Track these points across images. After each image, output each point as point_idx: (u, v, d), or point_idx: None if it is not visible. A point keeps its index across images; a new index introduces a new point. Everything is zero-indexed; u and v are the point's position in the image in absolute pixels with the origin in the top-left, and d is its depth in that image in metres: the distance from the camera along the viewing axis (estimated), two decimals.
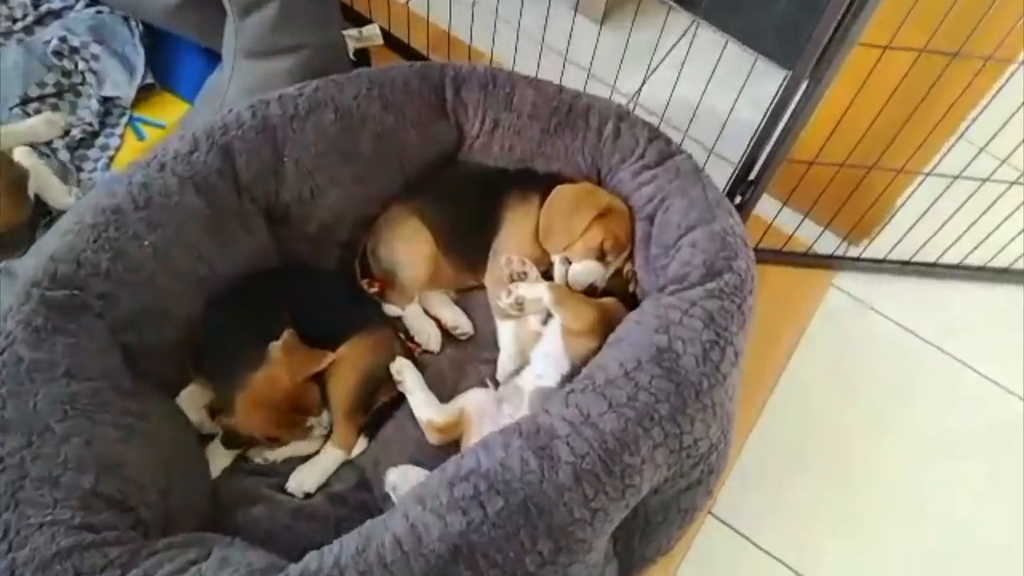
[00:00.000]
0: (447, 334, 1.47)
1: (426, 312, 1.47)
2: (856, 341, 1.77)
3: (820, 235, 1.76)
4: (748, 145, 1.51)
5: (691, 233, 1.29)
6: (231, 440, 1.25)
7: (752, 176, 1.55)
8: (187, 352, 1.29)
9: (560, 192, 1.40)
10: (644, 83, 1.77)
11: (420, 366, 1.39)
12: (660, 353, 1.11)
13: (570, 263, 1.40)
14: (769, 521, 1.56)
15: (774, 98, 1.42)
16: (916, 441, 1.66)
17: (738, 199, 1.60)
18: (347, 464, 1.32)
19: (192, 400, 1.31)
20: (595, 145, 1.46)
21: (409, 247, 1.43)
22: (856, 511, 1.58)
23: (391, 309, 1.45)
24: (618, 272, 1.44)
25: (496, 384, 1.39)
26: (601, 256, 1.38)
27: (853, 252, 1.83)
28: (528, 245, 1.41)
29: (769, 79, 1.51)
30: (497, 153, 1.50)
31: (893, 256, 1.78)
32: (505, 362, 1.40)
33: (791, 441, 1.62)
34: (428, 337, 1.44)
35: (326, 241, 1.44)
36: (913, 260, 1.79)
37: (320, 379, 1.29)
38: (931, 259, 1.79)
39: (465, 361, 1.46)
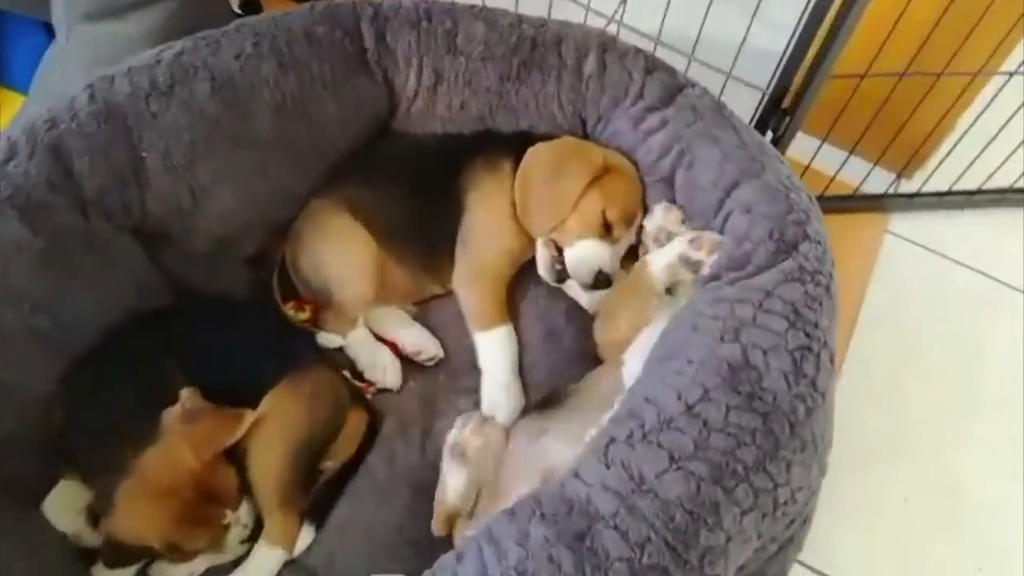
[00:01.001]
0: (409, 362, 1.12)
1: (377, 337, 1.12)
2: (926, 296, 1.43)
3: (870, 172, 1.39)
4: (779, 61, 1.13)
5: (736, 192, 0.94)
6: (115, 555, 0.89)
7: (786, 103, 1.17)
8: (48, 438, 0.93)
9: (536, 154, 1.06)
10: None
11: (378, 413, 1.07)
12: (734, 373, 0.76)
13: (559, 250, 1.00)
14: (854, 551, 1.20)
15: None
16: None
17: (768, 136, 1.22)
18: (290, 565, 0.96)
19: (63, 504, 0.94)
20: (575, 87, 1.12)
21: (342, 253, 1.09)
22: (959, 515, 1.24)
23: (328, 339, 1.10)
24: (631, 251, 1.08)
25: None
26: (606, 232, 1.03)
27: (906, 189, 1.46)
28: (506, 230, 1.09)
29: None
30: (444, 114, 1.12)
31: (958, 187, 1.41)
32: (495, 394, 1.05)
33: (867, 442, 1.26)
34: (384, 371, 1.09)
35: (226, 260, 1.08)
36: (983, 188, 1.42)
37: (237, 451, 0.93)
38: (1004, 185, 1.42)
39: (438, 395, 1.11)
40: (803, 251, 0.84)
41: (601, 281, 1.02)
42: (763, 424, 0.73)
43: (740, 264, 0.86)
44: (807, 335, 0.78)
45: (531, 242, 1.10)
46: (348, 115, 1.10)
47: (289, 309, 1.12)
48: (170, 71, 0.98)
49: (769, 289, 0.81)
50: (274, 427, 0.94)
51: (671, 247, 0.93)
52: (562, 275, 1.07)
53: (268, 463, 0.94)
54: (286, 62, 1.04)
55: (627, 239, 1.06)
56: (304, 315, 1.12)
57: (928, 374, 1.35)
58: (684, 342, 0.81)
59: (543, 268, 1.08)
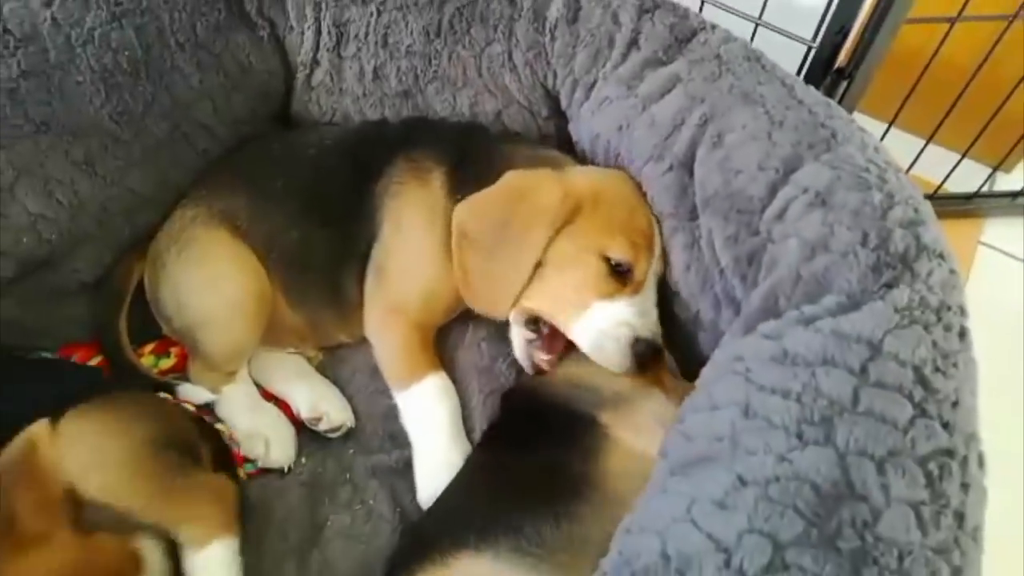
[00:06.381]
0: (306, 430, 0.75)
1: (266, 393, 0.77)
2: None
3: (957, 164, 0.94)
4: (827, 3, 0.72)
5: (799, 174, 0.54)
6: None
7: (841, 61, 0.75)
8: None
9: (473, 209, 0.69)
10: None
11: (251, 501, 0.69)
12: (826, 508, 0.36)
13: (535, 329, 0.70)
14: None
15: None
16: None
17: None
18: None
19: None
20: (535, 42, 0.76)
21: (214, 286, 0.74)
22: None
23: (192, 392, 0.74)
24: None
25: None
26: (621, 282, 0.67)
27: (1005, 186, 1.01)
28: (434, 264, 0.72)
29: None
30: (355, 86, 0.78)
31: None
32: (435, 476, 0.68)
33: None
34: (266, 444, 0.73)
35: (46, 290, 0.72)
36: None
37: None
38: None
39: (338, 477, 0.73)
40: (921, 271, 0.44)
41: (646, 353, 0.64)
42: None
43: (814, 290, 0.45)
44: (945, 426, 0.38)
45: None
46: (220, 88, 0.74)
47: (147, 354, 0.75)
48: None
49: (875, 340, 0.40)
50: (86, 439, 0.60)
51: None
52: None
53: (113, 486, 0.59)
54: (123, 11, 0.67)
55: (653, 271, 0.69)
56: (168, 361, 0.78)
57: None
58: (727, 439, 0.40)
59: (520, 355, 0.70)
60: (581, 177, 0.70)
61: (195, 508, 0.62)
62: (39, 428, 0.58)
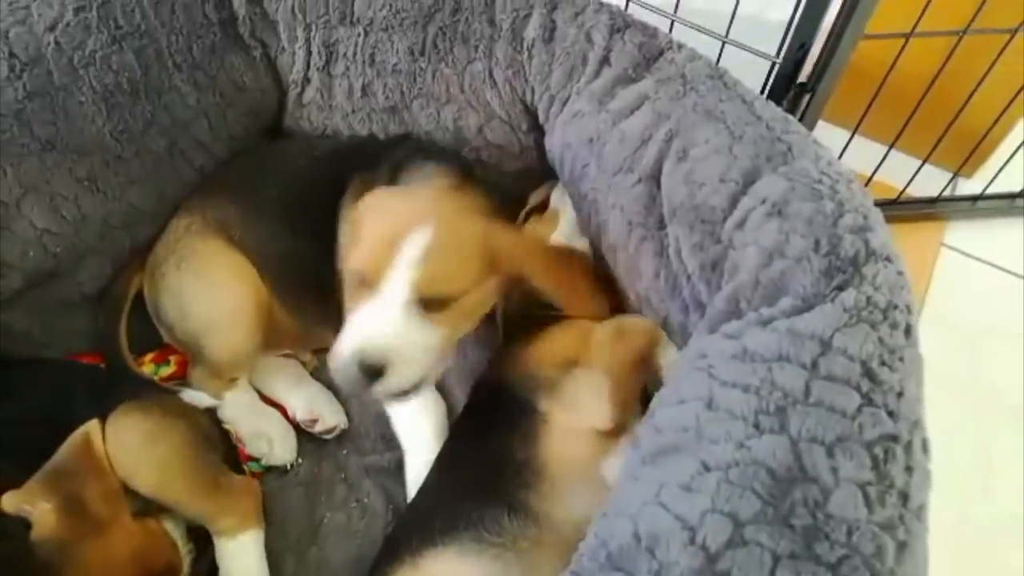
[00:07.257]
0: (303, 431, 0.79)
1: (264, 397, 0.80)
2: (995, 328, 1.01)
3: (918, 170, 0.98)
4: (793, 14, 0.75)
5: (757, 186, 0.56)
6: None
7: (803, 76, 0.78)
8: None
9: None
10: None
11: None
12: (781, 490, 0.39)
13: None
14: None
15: None
16: None
17: None
18: None
19: None
20: (513, 60, 0.77)
21: (214, 292, 0.75)
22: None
23: (196, 397, 0.76)
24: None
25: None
26: (359, 293, 0.63)
27: (966, 191, 1.04)
28: None
29: None
30: (344, 104, 0.78)
31: None
32: (422, 476, 0.68)
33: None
34: (269, 443, 0.76)
35: (51, 302, 0.71)
36: None
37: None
38: None
39: (335, 479, 0.76)
40: (868, 274, 0.47)
41: (355, 372, 0.59)
42: None
43: (772, 293, 0.48)
44: (891, 415, 0.41)
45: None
46: (216, 106, 0.76)
47: (146, 363, 0.77)
48: None
49: (825, 337, 0.44)
50: (125, 439, 0.64)
51: None
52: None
53: (163, 483, 0.64)
54: (123, 35, 0.69)
55: (400, 278, 0.60)
56: (168, 369, 0.82)
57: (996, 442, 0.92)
58: (692, 429, 0.44)
59: None
60: (368, 196, 0.67)
61: (230, 502, 0.67)
62: (92, 427, 0.62)
